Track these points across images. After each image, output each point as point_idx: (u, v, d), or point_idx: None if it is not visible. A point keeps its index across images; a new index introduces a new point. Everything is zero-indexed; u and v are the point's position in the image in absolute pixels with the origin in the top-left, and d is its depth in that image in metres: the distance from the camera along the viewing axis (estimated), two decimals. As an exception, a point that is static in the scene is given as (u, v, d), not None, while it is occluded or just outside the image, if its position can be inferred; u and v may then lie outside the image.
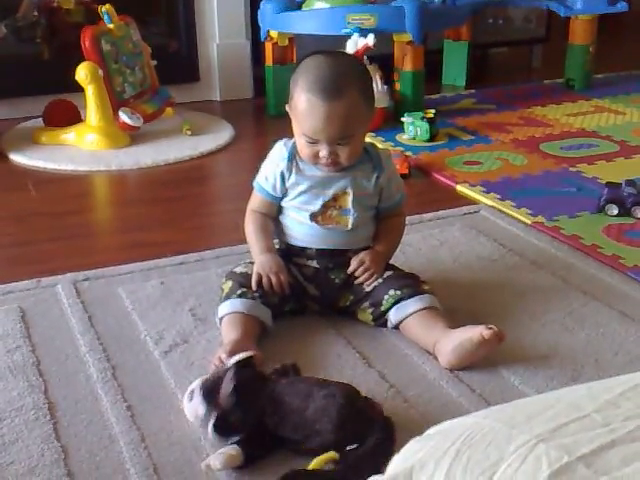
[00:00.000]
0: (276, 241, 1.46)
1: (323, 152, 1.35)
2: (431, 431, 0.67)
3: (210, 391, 1.11)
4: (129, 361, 1.31)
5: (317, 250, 1.41)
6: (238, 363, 1.12)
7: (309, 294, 1.43)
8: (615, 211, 1.85)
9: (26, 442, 1.12)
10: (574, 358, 1.31)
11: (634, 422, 0.60)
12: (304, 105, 1.33)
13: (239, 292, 1.36)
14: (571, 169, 2.18)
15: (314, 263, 1.42)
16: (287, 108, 1.40)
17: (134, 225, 1.93)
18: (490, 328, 1.24)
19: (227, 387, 1.09)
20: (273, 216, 1.45)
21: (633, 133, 2.49)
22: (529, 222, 1.84)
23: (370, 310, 1.39)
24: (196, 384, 1.13)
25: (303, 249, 1.42)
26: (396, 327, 1.37)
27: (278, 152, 1.42)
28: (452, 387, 1.22)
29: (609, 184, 1.90)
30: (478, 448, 0.60)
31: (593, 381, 0.74)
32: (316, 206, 1.40)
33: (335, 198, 1.40)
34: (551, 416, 0.62)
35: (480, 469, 0.58)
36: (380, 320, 1.38)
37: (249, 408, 1.08)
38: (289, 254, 1.43)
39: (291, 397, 1.09)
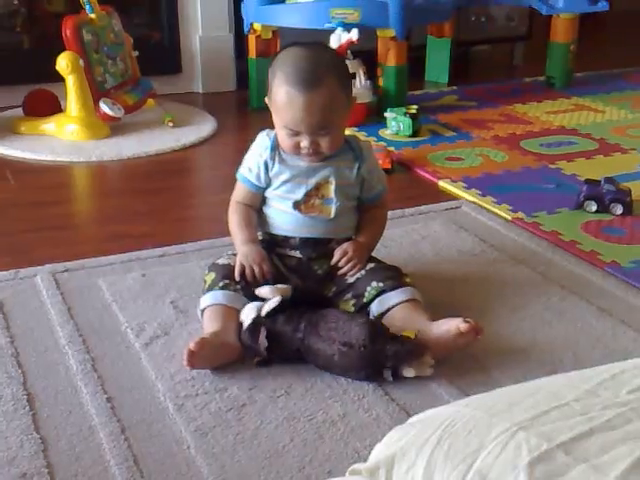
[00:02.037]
0: (259, 233, 1.46)
1: (304, 143, 1.35)
2: (413, 420, 0.68)
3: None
4: (109, 353, 1.31)
5: (300, 239, 1.41)
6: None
7: (292, 285, 1.43)
8: (594, 208, 1.86)
9: (5, 433, 1.11)
10: (552, 351, 1.32)
11: (612, 411, 0.61)
12: (283, 97, 1.33)
13: (221, 284, 1.36)
14: (551, 166, 2.20)
15: (297, 253, 1.42)
16: (266, 101, 1.40)
17: (115, 216, 1.92)
18: (467, 321, 1.25)
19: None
20: (256, 207, 1.45)
21: (612, 131, 2.51)
22: (509, 218, 1.86)
23: (352, 302, 1.39)
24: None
25: (286, 238, 1.42)
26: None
27: (261, 142, 1.43)
28: (432, 379, 1.23)
29: (588, 181, 1.91)
30: (459, 436, 0.60)
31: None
32: (299, 195, 1.40)
33: (318, 187, 1.40)
34: (531, 404, 0.62)
35: (461, 456, 0.59)
36: (362, 312, 1.39)
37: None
38: (272, 245, 1.44)
39: (326, 318, 1.25)
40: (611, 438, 0.58)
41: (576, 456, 0.56)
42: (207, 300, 1.36)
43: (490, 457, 0.58)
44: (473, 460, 0.58)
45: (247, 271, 1.37)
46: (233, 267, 1.38)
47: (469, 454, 0.58)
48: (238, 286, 1.36)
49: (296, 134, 1.35)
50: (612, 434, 0.58)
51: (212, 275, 1.39)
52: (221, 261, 1.42)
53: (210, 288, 1.37)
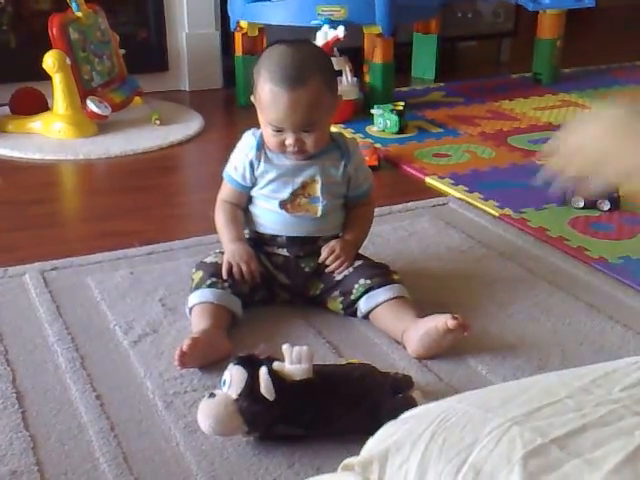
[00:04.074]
0: (246, 231, 1.46)
1: (289, 140, 1.35)
2: (406, 415, 0.68)
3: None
4: (98, 351, 1.30)
5: (287, 238, 1.41)
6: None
7: (279, 283, 1.43)
8: (581, 204, 1.87)
9: (-6, 431, 1.11)
10: (540, 348, 1.33)
11: (605, 408, 0.61)
12: (267, 95, 1.33)
13: (209, 282, 1.36)
14: (538, 162, 2.21)
15: (284, 251, 1.42)
16: (252, 99, 1.40)
17: (102, 215, 1.91)
18: (455, 318, 1.25)
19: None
20: (243, 206, 1.45)
21: (598, 128, 2.52)
22: (497, 214, 1.86)
23: (340, 299, 1.40)
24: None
25: (273, 237, 1.42)
26: (366, 316, 1.38)
27: (247, 141, 1.42)
28: (420, 376, 1.23)
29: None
30: (453, 430, 0.61)
31: (559, 370, 0.75)
32: (285, 194, 1.40)
33: (304, 186, 1.40)
34: (525, 400, 0.63)
35: (455, 451, 0.59)
36: (350, 309, 1.39)
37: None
38: (259, 243, 1.44)
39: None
40: (604, 434, 0.58)
41: (570, 451, 0.57)
42: (195, 298, 1.35)
43: (484, 451, 0.58)
44: (467, 454, 0.58)
45: (235, 269, 1.37)
46: (221, 265, 1.38)
47: (463, 448, 0.59)
48: (226, 284, 1.36)
49: (280, 131, 1.35)
50: (605, 430, 0.58)
51: (200, 273, 1.39)
52: (208, 259, 1.42)
53: (198, 286, 1.37)
